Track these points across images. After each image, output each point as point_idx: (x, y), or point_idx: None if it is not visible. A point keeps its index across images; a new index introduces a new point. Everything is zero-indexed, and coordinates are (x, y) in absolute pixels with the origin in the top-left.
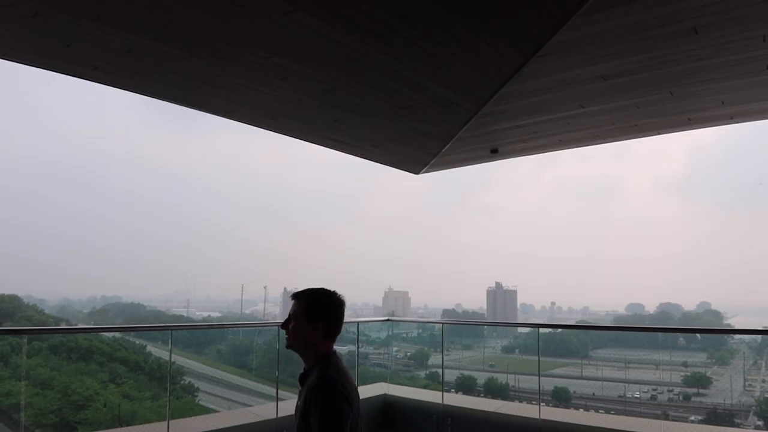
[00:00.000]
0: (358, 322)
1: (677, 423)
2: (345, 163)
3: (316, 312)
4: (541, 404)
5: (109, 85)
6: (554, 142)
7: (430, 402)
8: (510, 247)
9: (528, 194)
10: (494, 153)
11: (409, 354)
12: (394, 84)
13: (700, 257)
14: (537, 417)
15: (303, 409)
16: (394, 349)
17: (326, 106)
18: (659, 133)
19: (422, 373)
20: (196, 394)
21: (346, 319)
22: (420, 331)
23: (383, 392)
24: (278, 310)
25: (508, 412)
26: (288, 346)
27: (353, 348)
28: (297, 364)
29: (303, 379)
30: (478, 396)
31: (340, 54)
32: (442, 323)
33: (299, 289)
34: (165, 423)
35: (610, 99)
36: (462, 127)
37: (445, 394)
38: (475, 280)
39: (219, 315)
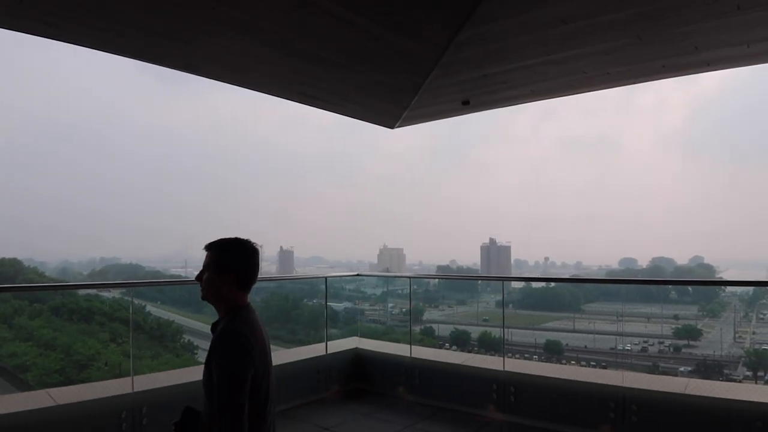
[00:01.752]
0: (326, 278)
1: (639, 374)
2: (341, 124)
3: (227, 263)
4: (509, 356)
5: (63, 40)
6: (526, 92)
7: (399, 355)
8: (505, 204)
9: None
10: (466, 105)
11: (404, 310)
12: (349, 33)
13: (695, 213)
14: (501, 369)
15: (207, 360)
16: (390, 305)
17: (285, 58)
18: (634, 82)
19: (417, 328)
20: (195, 351)
21: (318, 273)
22: (415, 287)
23: (355, 346)
24: (275, 269)
25: (474, 365)
26: (202, 298)
27: (349, 305)
28: (295, 322)
29: (214, 330)
30: (473, 350)
31: (290, 1)
32: (409, 277)
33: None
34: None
35: (576, 45)
36: (426, 77)
37: (413, 347)
38: (469, 236)
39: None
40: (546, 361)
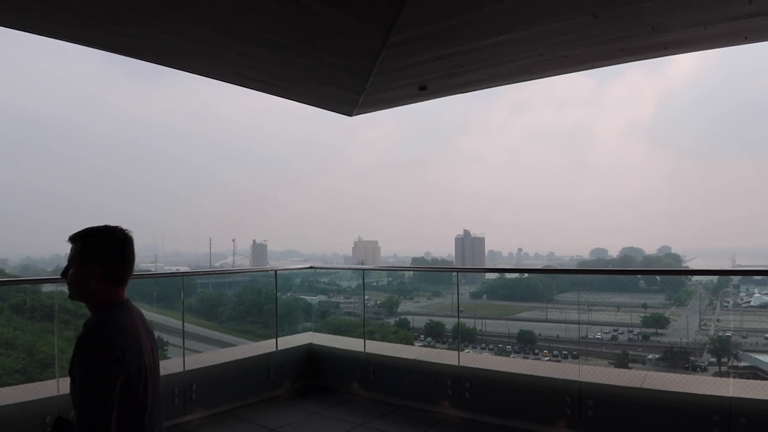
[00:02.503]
0: (275, 271)
1: (596, 367)
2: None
3: (93, 254)
4: (465, 350)
5: (5, 26)
6: (483, 77)
7: (353, 350)
8: (480, 195)
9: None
10: (423, 90)
11: (379, 302)
12: (287, 11)
13: (662, 203)
14: (456, 363)
15: (69, 366)
16: (366, 297)
17: (228, 40)
18: (593, 66)
19: (392, 321)
20: (165, 348)
21: (270, 266)
22: (390, 279)
23: (308, 341)
24: (248, 263)
25: (429, 359)
26: (70, 297)
27: (324, 298)
28: (268, 314)
29: None
30: (446, 342)
31: None
32: (362, 269)
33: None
34: None
35: (528, 23)
36: (376, 59)
37: (367, 342)
38: (444, 228)
39: (187, 269)
40: (520, 351)
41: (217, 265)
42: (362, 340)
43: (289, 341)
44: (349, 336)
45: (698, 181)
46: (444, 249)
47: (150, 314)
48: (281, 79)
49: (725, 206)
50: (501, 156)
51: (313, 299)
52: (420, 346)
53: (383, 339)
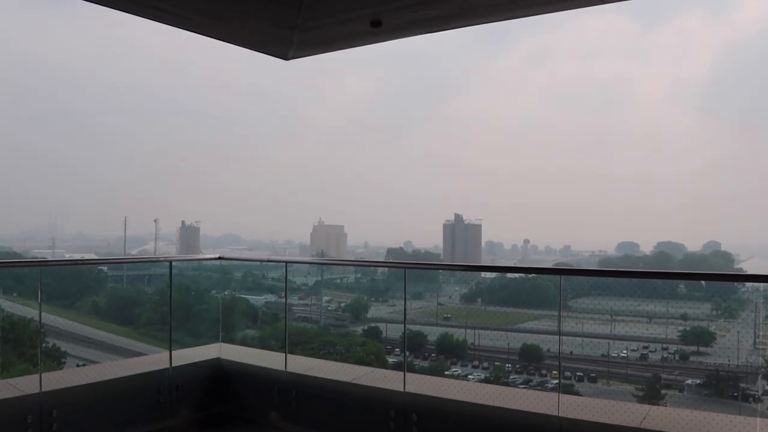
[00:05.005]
0: (170, 261)
1: (584, 398)
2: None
3: None
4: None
5: None
6: (453, 11)
7: (273, 369)
8: (478, 170)
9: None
10: (377, 27)
11: (343, 305)
12: None
13: (712, 187)
14: (401, 389)
15: None
16: (325, 298)
17: None
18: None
19: (359, 329)
20: (63, 360)
21: (168, 255)
22: (358, 275)
23: (216, 356)
24: (174, 250)
25: (370, 383)
26: None
27: (271, 298)
28: (197, 317)
29: None
30: (428, 359)
31: None
32: (285, 261)
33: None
34: None
35: None
36: None
37: (291, 357)
38: (430, 211)
39: (95, 257)
40: (522, 371)
41: (134, 253)
42: (283, 355)
43: (188, 355)
44: (306, 348)
45: (762, 161)
46: (430, 238)
47: (44, 315)
48: (197, 12)
49: None
50: (508, 120)
51: (258, 299)
52: (393, 362)
53: (347, 352)
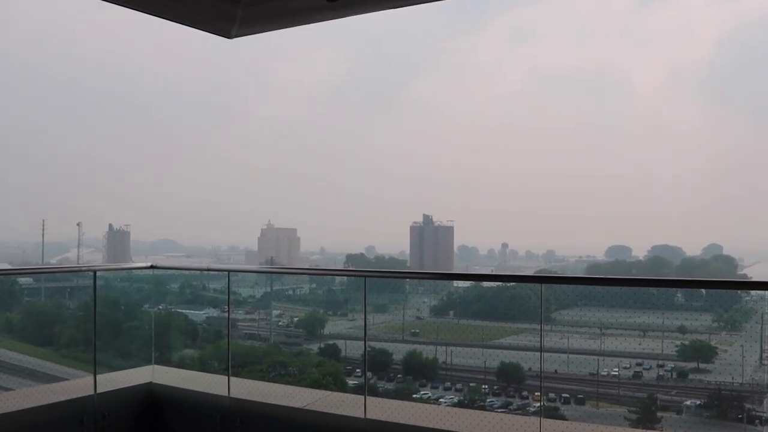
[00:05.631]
0: (94, 271)
1: (567, 422)
2: (212, 42)
3: None
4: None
5: None
6: None
7: (213, 394)
8: (450, 166)
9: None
10: (333, 1)
11: (296, 320)
12: None
13: (714, 185)
14: (361, 416)
15: None
16: (275, 312)
17: None
18: None
19: (315, 347)
20: None
21: (90, 264)
22: (314, 286)
23: (148, 380)
24: (100, 258)
25: (326, 409)
26: None
27: (213, 313)
28: (128, 335)
29: None
30: (394, 378)
31: None
32: (228, 270)
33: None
34: None
35: None
36: None
37: (235, 380)
38: (395, 212)
39: (8, 267)
40: (500, 392)
41: (53, 262)
42: (226, 378)
43: (117, 379)
44: (253, 370)
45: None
46: (395, 243)
47: None
48: None
49: None
50: (484, 110)
51: (198, 314)
52: (354, 384)
53: (301, 374)
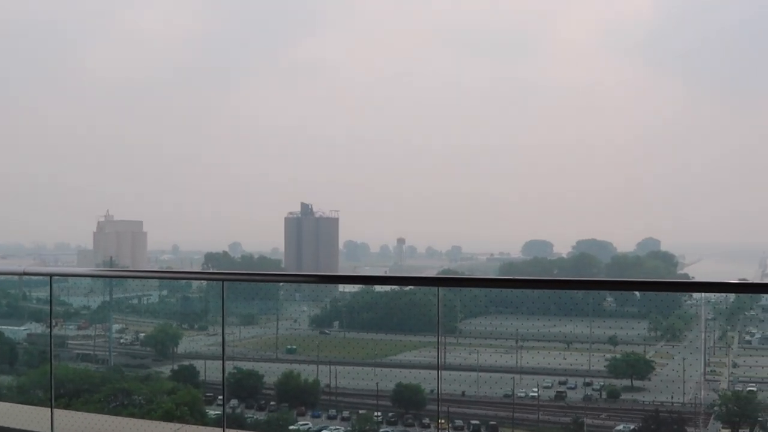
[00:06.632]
0: None
1: None
2: None
3: None
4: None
5: None
6: None
7: None
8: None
9: (381, 47)
10: None
11: (143, 335)
12: None
13: (650, 169)
14: None
15: None
16: (116, 326)
17: None
18: None
19: (166, 370)
20: None
21: None
22: (164, 293)
23: None
24: None
25: None
26: None
27: (36, 329)
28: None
29: None
30: (266, 406)
31: None
32: (50, 274)
33: None
34: None
35: None
36: None
37: (61, 414)
38: (267, 200)
39: None
40: (396, 420)
41: None
42: (48, 411)
43: None
44: (88, 400)
45: (715, 135)
46: (267, 238)
47: None
48: None
49: (757, 179)
50: (378, 74)
51: (18, 330)
52: (216, 415)
53: (149, 403)
